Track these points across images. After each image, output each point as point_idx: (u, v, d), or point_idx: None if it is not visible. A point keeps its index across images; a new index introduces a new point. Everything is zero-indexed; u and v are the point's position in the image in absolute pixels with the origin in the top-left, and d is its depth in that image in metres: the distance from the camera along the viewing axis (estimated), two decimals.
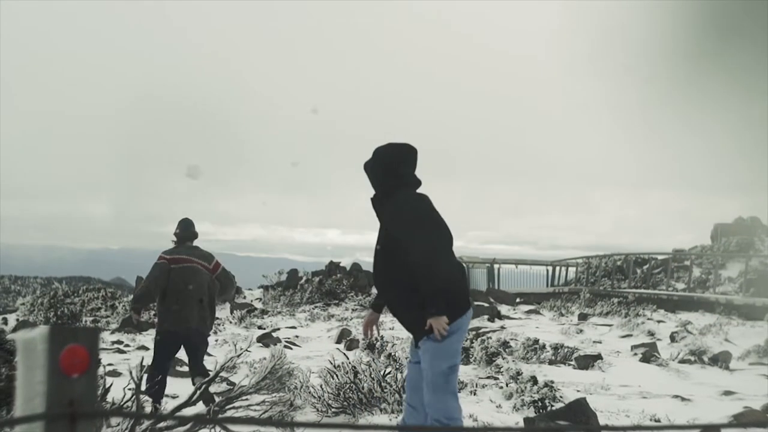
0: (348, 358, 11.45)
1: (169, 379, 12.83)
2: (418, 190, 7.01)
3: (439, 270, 6.58)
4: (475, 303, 28.23)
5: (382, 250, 6.89)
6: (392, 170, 6.93)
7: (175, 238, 11.28)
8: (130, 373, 8.89)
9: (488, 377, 13.61)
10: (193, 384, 10.37)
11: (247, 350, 11.47)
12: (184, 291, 10.78)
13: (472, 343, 15.69)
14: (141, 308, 11.40)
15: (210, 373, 10.15)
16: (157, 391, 10.04)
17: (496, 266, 37.49)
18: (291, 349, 18.18)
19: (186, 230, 11.28)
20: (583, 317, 25.36)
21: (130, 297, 28.14)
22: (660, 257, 37.82)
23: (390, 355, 13.47)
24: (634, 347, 17.50)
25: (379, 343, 16.28)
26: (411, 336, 7.06)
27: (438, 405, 6.63)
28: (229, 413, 9.08)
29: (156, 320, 11.29)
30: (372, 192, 7.03)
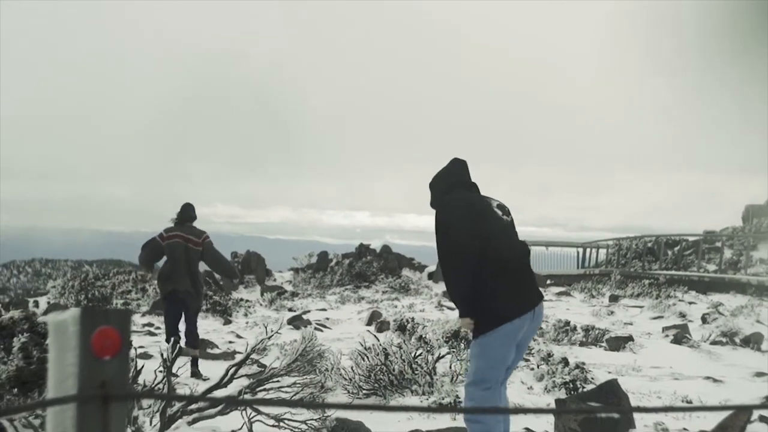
0: (378, 340, 11.45)
1: (201, 362, 12.91)
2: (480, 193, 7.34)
3: (450, 279, 6.88)
4: None
5: None
6: (439, 186, 7.30)
7: (175, 218, 13.57)
8: (161, 355, 8.92)
9: None
10: (184, 353, 12.41)
11: (277, 332, 11.47)
12: (172, 261, 13.17)
13: None
14: (147, 269, 13.97)
15: (197, 347, 13.22)
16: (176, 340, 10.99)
17: None
18: (321, 331, 18.21)
19: (184, 213, 13.60)
20: (614, 299, 25.27)
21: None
22: (691, 239, 37.57)
23: (421, 337, 13.46)
24: (665, 329, 17.42)
25: (410, 325, 16.27)
26: None
27: (466, 390, 6.93)
28: (260, 395, 9.09)
29: (158, 285, 13.66)
30: None
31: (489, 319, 6.72)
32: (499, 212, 7.03)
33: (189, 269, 13.21)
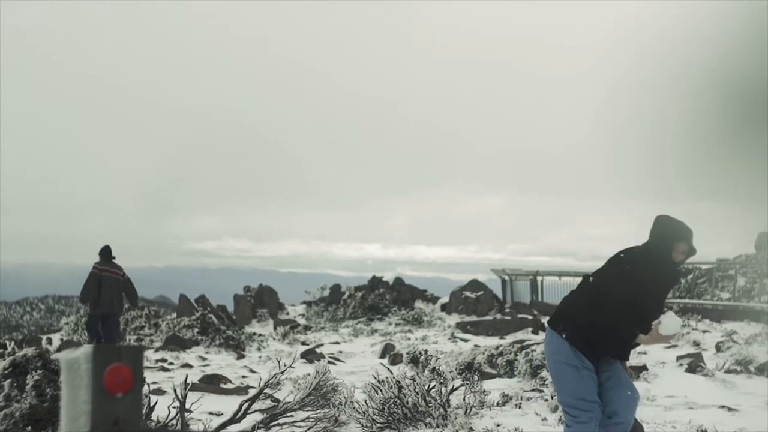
0: (392, 373, 11.43)
1: (213, 397, 12.92)
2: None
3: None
4: (519, 316, 28.14)
5: None
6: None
7: (100, 256, 17.85)
8: (174, 391, 8.91)
9: (533, 390, 13.52)
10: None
11: (290, 366, 11.50)
12: (106, 288, 17.55)
13: (516, 356, 15.62)
14: (87, 301, 18.12)
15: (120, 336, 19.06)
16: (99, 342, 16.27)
17: (539, 278, 37.32)
18: (335, 364, 18.19)
19: (104, 253, 17.86)
20: None
21: (174, 315, 28.66)
22: (704, 267, 37.37)
23: (434, 369, 13.43)
24: (679, 357, 17.32)
25: (423, 357, 16.25)
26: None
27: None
28: (274, 430, 9.09)
29: (90, 306, 18.18)
30: None
31: None
32: None
33: (116, 295, 17.82)
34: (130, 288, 18.39)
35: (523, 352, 15.88)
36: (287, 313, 33.78)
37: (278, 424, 9.53)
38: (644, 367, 15.62)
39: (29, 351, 9.46)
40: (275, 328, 28.66)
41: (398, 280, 35.89)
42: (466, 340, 23.95)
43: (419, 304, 33.50)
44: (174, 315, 29.02)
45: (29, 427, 7.87)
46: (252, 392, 11.09)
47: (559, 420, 11.05)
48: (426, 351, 17.12)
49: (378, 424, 10.39)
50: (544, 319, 27.63)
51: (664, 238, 7.05)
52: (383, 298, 33.21)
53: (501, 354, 16.00)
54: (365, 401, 10.77)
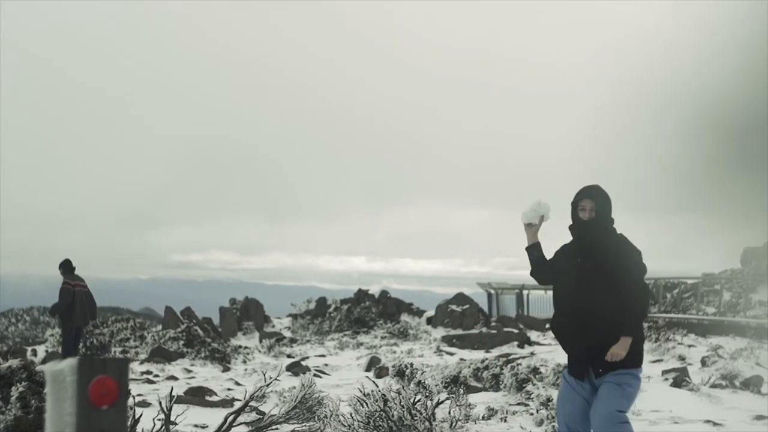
0: (377, 386, 11.40)
1: (198, 409, 12.89)
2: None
3: (644, 301, 7.51)
4: (505, 329, 28.12)
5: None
6: (610, 211, 7.46)
7: (62, 270, 18.19)
8: (160, 403, 8.89)
9: (518, 404, 13.52)
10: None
11: (276, 379, 11.47)
12: (78, 302, 17.95)
13: (502, 369, 15.62)
14: (57, 314, 18.67)
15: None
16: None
17: (525, 292, 37.33)
18: (320, 377, 18.16)
19: (68, 266, 18.23)
20: None
21: (159, 327, 28.57)
22: (690, 281, 37.38)
23: (420, 382, 13.42)
24: (664, 372, 17.32)
25: (408, 370, 16.24)
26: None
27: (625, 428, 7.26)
28: None
29: (62, 321, 18.54)
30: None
31: (640, 358, 7.29)
32: None
33: (86, 307, 18.26)
34: (91, 300, 18.78)
35: (509, 365, 15.90)
36: (273, 326, 33.75)
37: None
38: None
39: (14, 362, 9.44)
40: (261, 341, 28.67)
41: (384, 293, 35.89)
42: (451, 354, 23.97)
43: (405, 318, 33.50)
44: (159, 327, 28.93)
45: None
46: (237, 405, 11.07)
47: None
48: (411, 364, 17.11)
49: None
50: (530, 333, 27.68)
51: (571, 204, 7.36)
52: (369, 311, 33.21)
53: (487, 368, 16.01)
54: (351, 414, 10.75)
